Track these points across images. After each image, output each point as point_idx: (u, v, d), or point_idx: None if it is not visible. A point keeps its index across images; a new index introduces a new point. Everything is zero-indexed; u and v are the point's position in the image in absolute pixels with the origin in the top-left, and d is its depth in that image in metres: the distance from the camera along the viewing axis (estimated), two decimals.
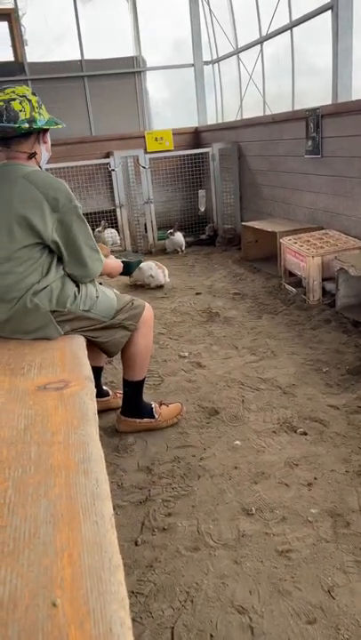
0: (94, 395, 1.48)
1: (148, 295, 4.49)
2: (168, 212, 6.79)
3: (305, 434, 2.25)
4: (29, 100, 1.93)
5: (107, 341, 2.15)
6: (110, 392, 2.67)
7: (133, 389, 2.36)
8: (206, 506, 1.85)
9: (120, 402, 2.46)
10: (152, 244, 6.19)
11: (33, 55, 7.26)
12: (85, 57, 7.26)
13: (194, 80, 7.68)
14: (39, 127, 1.95)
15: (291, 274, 4.20)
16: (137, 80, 7.71)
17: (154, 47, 7.77)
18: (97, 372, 2.37)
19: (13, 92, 1.92)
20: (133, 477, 2.06)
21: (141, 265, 4.66)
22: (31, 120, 1.92)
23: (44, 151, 2.07)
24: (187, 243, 6.14)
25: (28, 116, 1.91)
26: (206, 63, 7.76)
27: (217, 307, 4.03)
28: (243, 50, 6.64)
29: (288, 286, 4.18)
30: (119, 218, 6.17)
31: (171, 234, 5.93)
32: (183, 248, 6.05)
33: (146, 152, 6.12)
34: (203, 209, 6.83)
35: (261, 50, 6.16)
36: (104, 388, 2.65)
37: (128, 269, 2.43)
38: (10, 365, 1.69)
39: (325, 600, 1.44)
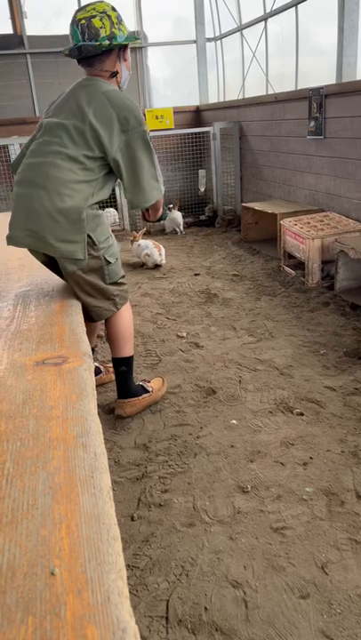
0: (92, 370, 1.48)
1: (147, 275, 4.47)
2: (167, 192, 6.73)
3: (301, 414, 2.26)
4: (109, 16, 1.97)
5: (95, 307, 2.17)
6: (102, 367, 2.71)
7: (127, 366, 2.38)
8: (202, 483, 1.87)
9: (112, 376, 2.54)
10: (150, 225, 6.14)
11: (32, 28, 7.11)
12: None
13: (196, 57, 7.55)
14: (119, 43, 1.99)
15: (290, 256, 4.18)
16: (137, 56, 7.57)
17: (155, 22, 7.63)
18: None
19: (94, 8, 1.96)
20: (130, 454, 2.07)
21: (140, 242, 4.67)
22: (111, 37, 1.97)
23: (124, 70, 2.12)
24: (186, 223, 6.11)
25: (108, 33, 1.96)
26: (209, 40, 7.62)
27: (215, 288, 4.02)
28: (246, 27, 6.51)
29: (287, 268, 4.17)
30: (118, 197, 6.11)
31: (170, 209, 5.89)
32: (182, 228, 6.02)
33: None
34: (203, 189, 6.77)
35: (265, 27, 6.04)
36: (96, 364, 2.67)
37: (162, 216, 2.42)
38: (8, 342, 1.69)
39: (319, 576, 1.46)
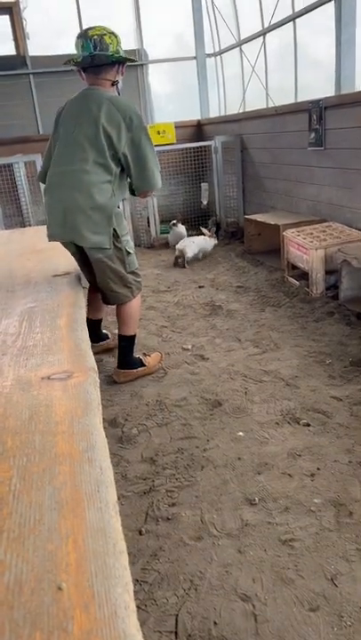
0: (98, 385, 1.49)
1: (151, 289, 4.49)
2: (171, 206, 6.78)
3: (308, 425, 2.26)
4: (116, 37, 2.44)
5: (115, 292, 2.64)
6: (110, 335, 3.15)
7: (128, 342, 2.81)
8: (210, 496, 1.86)
9: (110, 346, 3.05)
10: (155, 238, 6.19)
11: (35, 49, 7.24)
12: None
13: (196, 73, 7.64)
14: (124, 57, 2.46)
15: (294, 266, 4.19)
16: (139, 73, 7.68)
17: (156, 40, 7.74)
18: (98, 323, 3.09)
19: (103, 29, 2.41)
20: (137, 468, 2.07)
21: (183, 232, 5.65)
22: (117, 52, 2.43)
23: (121, 81, 2.56)
24: (189, 236, 6.13)
25: (115, 49, 2.42)
26: (209, 56, 7.73)
27: (220, 300, 4.03)
28: (245, 42, 6.61)
29: (291, 279, 4.18)
30: (121, 211, 6.16)
31: (174, 224, 5.93)
32: None
33: None
34: (205, 202, 6.82)
35: (264, 42, 6.13)
36: (104, 331, 3.16)
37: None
38: (14, 358, 1.70)
39: (328, 588, 1.45)
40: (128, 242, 2.60)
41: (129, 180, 2.54)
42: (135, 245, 6.13)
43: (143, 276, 4.85)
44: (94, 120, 2.34)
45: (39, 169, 2.84)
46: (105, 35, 2.39)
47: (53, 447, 1.15)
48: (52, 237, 2.54)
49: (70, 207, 2.40)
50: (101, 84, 2.47)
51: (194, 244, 5.28)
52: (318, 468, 1.96)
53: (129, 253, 2.60)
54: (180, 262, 5.20)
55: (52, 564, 0.83)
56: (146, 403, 2.58)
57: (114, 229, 2.47)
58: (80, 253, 2.54)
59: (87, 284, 2.84)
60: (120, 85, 2.55)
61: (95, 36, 2.37)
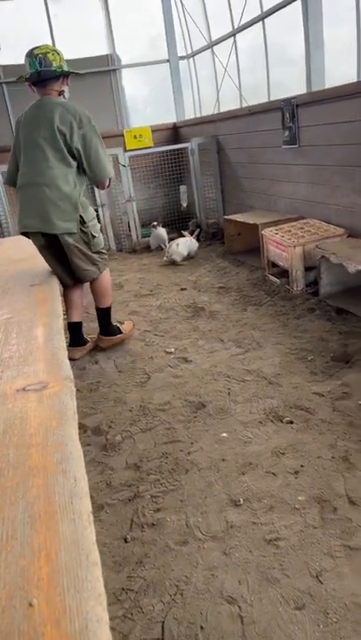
0: (74, 394, 1.48)
1: (133, 293, 4.48)
2: (150, 210, 6.78)
3: (291, 422, 2.26)
4: (58, 53, 2.80)
5: (84, 270, 3.04)
6: (88, 339, 3.40)
7: (105, 314, 3.31)
8: (195, 499, 1.86)
9: (94, 344, 3.37)
10: (136, 243, 6.18)
11: (7, 58, 7.20)
12: None
13: (170, 76, 7.66)
14: (67, 71, 2.82)
15: (274, 265, 4.21)
16: (112, 78, 7.68)
17: (128, 44, 7.74)
18: (79, 326, 3.33)
19: (46, 46, 2.80)
20: (122, 475, 2.06)
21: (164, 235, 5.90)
22: (60, 67, 2.78)
23: (66, 91, 2.92)
24: (170, 239, 6.13)
25: (58, 64, 2.77)
26: (181, 58, 7.75)
27: (202, 301, 4.03)
28: (216, 43, 6.64)
29: (272, 277, 4.20)
30: (102, 217, 6.14)
31: (154, 226, 5.93)
32: (167, 243, 6.04)
33: (125, 150, 6.10)
34: (185, 204, 6.82)
35: (235, 42, 6.16)
36: (84, 337, 3.40)
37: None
38: None
39: (314, 585, 1.45)
40: (94, 226, 3.01)
41: (85, 173, 2.90)
42: (117, 250, 6.13)
43: (125, 281, 4.86)
44: (50, 123, 2.74)
45: (4, 174, 3.24)
46: (48, 53, 2.75)
47: (27, 460, 1.14)
48: (25, 228, 2.89)
49: (42, 200, 2.78)
50: (50, 94, 2.85)
51: (179, 247, 5.33)
52: (302, 465, 1.97)
53: (94, 236, 3.01)
54: (175, 262, 5.29)
55: (23, 581, 0.82)
56: (129, 408, 2.57)
57: (80, 216, 2.87)
58: (48, 245, 2.88)
59: (61, 290, 2.97)
60: (66, 95, 2.92)
61: (40, 55, 2.73)
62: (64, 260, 2.96)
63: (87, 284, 3.29)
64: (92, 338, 3.41)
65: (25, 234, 2.95)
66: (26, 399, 1.43)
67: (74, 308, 3.30)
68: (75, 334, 3.30)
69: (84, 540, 0.92)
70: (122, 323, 3.47)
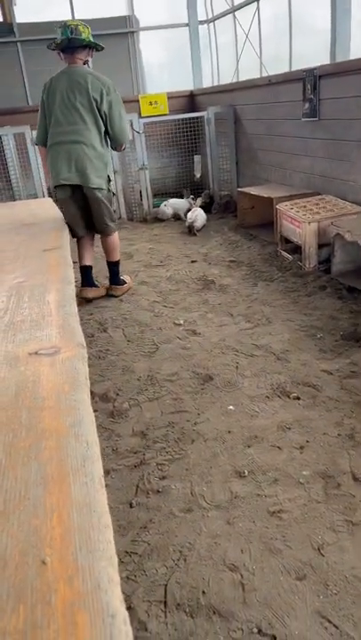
0: (86, 360, 1.48)
1: (143, 263, 4.46)
2: (163, 179, 6.69)
3: (298, 398, 2.27)
4: (87, 27, 3.24)
5: (105, 224, 3.55)
6: (98, 284, 3.83)
7: (115, 265, 3.78)
8: (200, 469, 1.88)
9: (104, 291, 3.80)
10: (147, 212, 6.11)
11: (22, 16, 7.02)
12: (76, 16, 7.03)
13: (189, 41, 7.45)
14: (93, 42, 3.28)
15: (287, 240, 4.16)
16: (130, 41, 7.48)
17: (148, 7, 7.52)
18: (90, 268, 3.76)
19: (78, 21, 3.24)
20: (128, 442, 2.08)
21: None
22: (88, 39, 3.22)
23: (90, 62, 3.41)
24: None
25: (87, 36, 3.22)
26: (201, 22, 7.52)
27: (212, 274, 4.01)
28: (239, 8, 6.42)
29: (284, 253, 4.16)
30: (114, 184, 6.07)
31: (193, 199, 5.99)
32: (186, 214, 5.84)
33: (140, 116, 5.98)
34: (198, 175, 6.72)
35: (258, 8, 5.96)
36: (94, 281, 3.83)
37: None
38: (1, 333, 1.69)
39: (315, 557, 1.47)
40: (113, 185, 3.58)
41: (108, 135, 3.39)
42: (128, 219, 6.08)
43: (135, 251, 4.84)
44: (85, 90, 3.21)
45: (34, 136, 3.74)
46: (79, 25, 3.20)
47: (40, 422, 1.15)
48: (65, 180, 3.32)
49: (82, 157, 3.28)
50: (76, 62, 3.28)
51: (200, 215, 5.43)
52: (308, 441, 1.98)
53: (114, 194, 3.68)
54: (193, 231, 5.31)
55: (36, 539, 0.83)
56: (137, 377, 2.58)
57: (107, 175, 3.40)
58: (75, 197, 3.40)
59: (73, 240, 3.40)
60: (89, 65, 3.39)
61: (72, 25, 3.17)
62: (85, 213, 3.49)
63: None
64: (102, 285, 3.85)
65: (56, 187, 3.39)
66: (38, 363, 1.43)
67: (86, 253, 3.73)
68: (86, 276, 3.73)
69: (97, 503, 0.92)
70: (122, 276, 3.94)
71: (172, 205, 5.98)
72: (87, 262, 3.73)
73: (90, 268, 3.74)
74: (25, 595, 0.73)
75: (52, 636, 0.68)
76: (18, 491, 0.93)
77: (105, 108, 3.24)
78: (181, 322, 3.21)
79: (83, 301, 3.53)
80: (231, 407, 2.25)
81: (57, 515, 0.87)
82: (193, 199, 6.00)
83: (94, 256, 3.88)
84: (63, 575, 0.76)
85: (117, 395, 2.44)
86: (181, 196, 6.20)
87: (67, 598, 0.74)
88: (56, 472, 0.98)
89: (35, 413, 1.18)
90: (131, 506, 1.74)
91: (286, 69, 5.40)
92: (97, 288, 3.76)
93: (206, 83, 7.68)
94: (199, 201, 5.91)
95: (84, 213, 3.49)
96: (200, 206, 5.74)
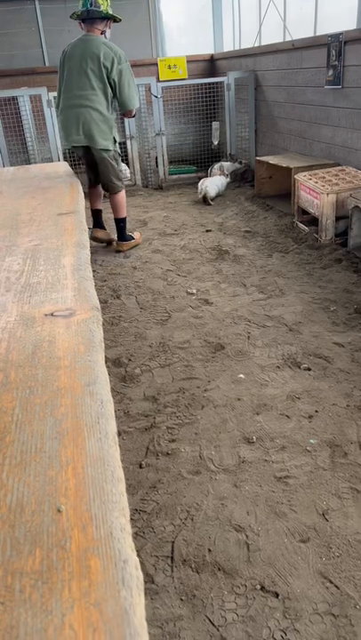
0: (100, 324, 1.50)
1: (157, 232, 4.44)
2: (180, 146, 6.59)
3: (309, 369, 2.29)
4: (106, 0, 3.49)
5: (112, 183, 3.86)
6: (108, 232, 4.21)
7: (122, 222, 4.02)
8: (209, 434, 1.92)
9: (113, 239, 4.16)
10: (163, 179, 6.05)
11: None
12: None
13: (211, 1, 7.21)
14: (111, 14, 3.57)
15: (304, 212, 4.11)
16: (150, 1, 7.25)
17: None
18: (100, 212, 4.20)
19: None
20: (139, 406, 2.12)
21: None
22: (107, 11, 3.51)
23: (107, 32, 3.68)
24: (198, 178, 5.98)
25: (105, 8, 3.51)
26: None
27: (227, 244, 3.99)
28: None
29: (301, 225, 4.11)
30: (129, 150, 6.00)
31: (240, 162, 5.91)
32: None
33: (158, 80, 5.86)
34: (216, 142, 6.60)
35: None
36: (104, 224, 4.25)
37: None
38: (18, 294, 1.71)
39: (319, 522, 1.51)
40: (119, 146, 3.84)
41: (116, 101, 3.65)
42: (143, 186, 6.02)
43: (150, 218, 4.81)
44: (97, 58, 3.48)
45: (51, 97, 4.37)
46: None
47: (56, 381, 1.18)
48: (74, 142, 3.68)
49: (89, 120, 3.57)
50: (94, 32, 3.58)
51: (213, 183, 5.36)
52: (316, 411, 2.00)
53: (120, 154, 3.88)
54: (207, 201, 5.24)
55: (52, 489, 0.87)
56: (149, 344, 2.61)
57: (113, 137, 3.69)
58: (87, 156, 3.80)
59: (86, 188, 3.73)
60: (107, 35, 3.65)
61: None
62: (95, 169, 3.87)
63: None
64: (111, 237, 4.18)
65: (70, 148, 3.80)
66: (54, 324, 1.45)
67: (97, 198, 4.17)
68: (97, 219, 4.23)
69: (110, 458, 0.95)
70: (131, 232, 4.22)
71: (210, 184, 5.42)
72: (97, 206, 4.15)
73: (100, 211, 4.18)
74: (41, 539, 0.77)
75: (67, 577, 0.72)
76: (34, 444, 0.97)
77: (115, 75, 3.50)
78: (194, 291, 3.21)
79: (93, 241, 4.05)
80: (241, 375, 2.28)
81: (72, 467, 0.91)
82: (240, 163, 5.95)
83: (101, 200, 4.24)
84: (78, 523, 0.79)
85: (130, 360, 2.47)
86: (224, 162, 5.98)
87: (81, 544, 0.77)
88: (71, 427, 1.01)
89: (50, 372, 1.21)
90: (140, 466, 1.78)
91: (311, 33, 5.23)
92: (106, 231, 4.20)
93: (227, 47, 7.46)
94: (230, 166, 5.83)
95: (95, 169, 3.88)
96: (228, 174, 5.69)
